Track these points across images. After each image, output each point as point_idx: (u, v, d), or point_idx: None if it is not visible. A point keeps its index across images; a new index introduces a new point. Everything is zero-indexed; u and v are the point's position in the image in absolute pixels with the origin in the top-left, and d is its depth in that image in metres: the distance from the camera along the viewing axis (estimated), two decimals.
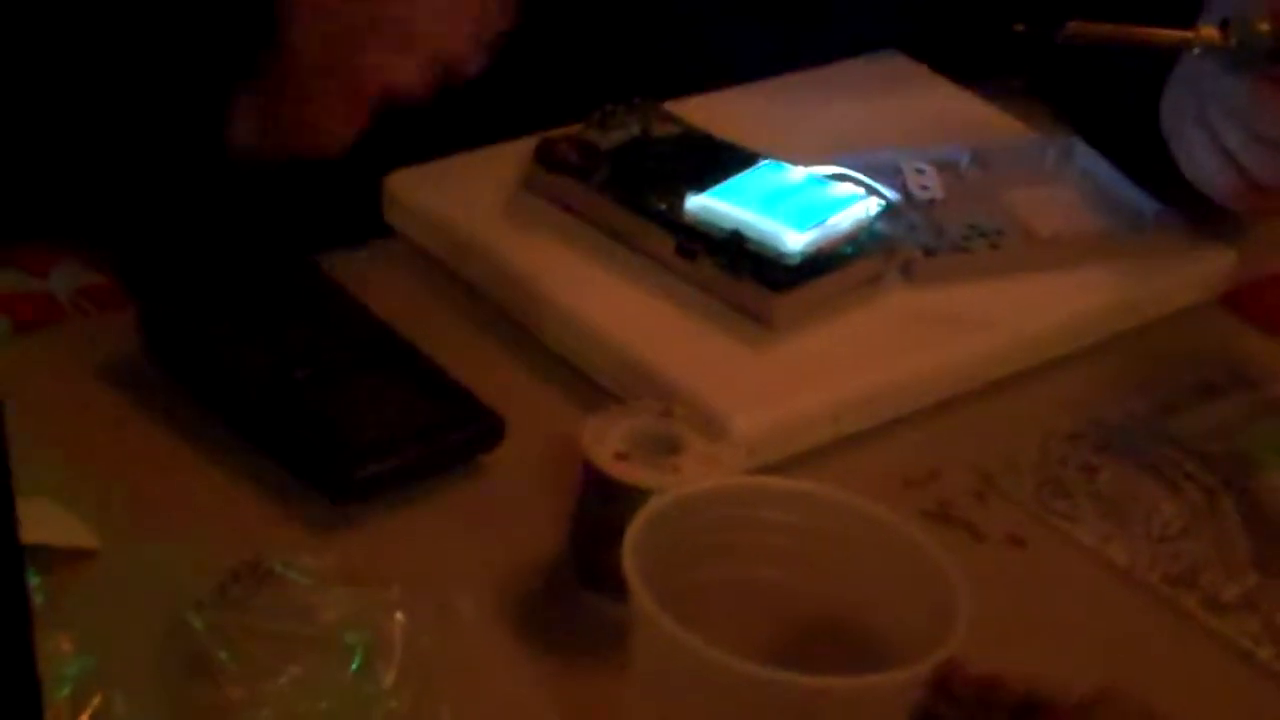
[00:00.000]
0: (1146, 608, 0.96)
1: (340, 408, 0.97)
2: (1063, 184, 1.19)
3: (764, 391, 1.01)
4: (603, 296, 1.05)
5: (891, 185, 1.13)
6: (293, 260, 1.04)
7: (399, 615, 0.84)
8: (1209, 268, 1.17)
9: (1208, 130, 1.09)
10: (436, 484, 0.96)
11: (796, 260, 1.04)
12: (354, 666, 0.83)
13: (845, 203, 1.08)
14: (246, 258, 1.04)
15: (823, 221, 1.06)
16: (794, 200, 1.07)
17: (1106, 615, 0.96)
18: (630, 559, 0.73)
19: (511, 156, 1.13)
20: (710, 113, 1.18)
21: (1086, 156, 1.20)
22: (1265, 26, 1.05)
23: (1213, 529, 1.01)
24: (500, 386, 1.00)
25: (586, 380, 1.03)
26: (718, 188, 1.07)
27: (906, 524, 0.79)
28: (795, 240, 1.04)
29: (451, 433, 0.98)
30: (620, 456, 0.89)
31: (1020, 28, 1.04)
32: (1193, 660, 0.94)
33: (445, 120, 1.17)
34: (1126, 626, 0.95)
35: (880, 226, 1.09)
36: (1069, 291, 1.12)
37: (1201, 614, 0.96)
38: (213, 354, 0.99)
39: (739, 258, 1.05)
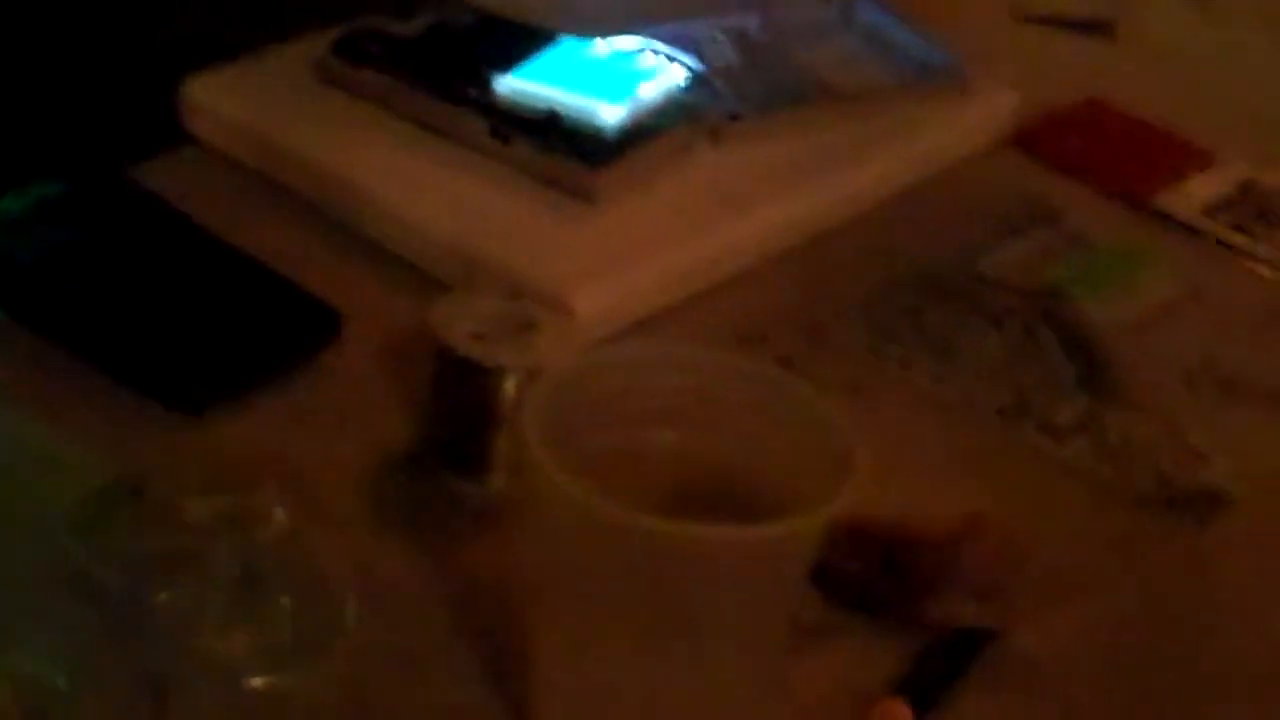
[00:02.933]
0: (988, 440, 0.99)
1: (173, 318, 0.96)
2: (850, 39, 1.21)
3: (595, 267, 1.02)
4: (422, 188, 1.05)
5: (689, 55, 1.14)
6: (103, 175, 1.02)
7: (279, 512, 0.83)
8: (996, 110, 1.20)
9: None
10: (282, 385, 0.95)
11: (613, 134, 1.05)
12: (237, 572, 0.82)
13: (651, 74, 1.09)
14: (55, 176, 1.02)
15: (633, 94, 1.07)
16: (602, 74, 1.08)
17: (951, 452, 0.99)
18: (531, 429, 0.73)
19: (307, 53, 1.11)
20: None
21: (868, 10, 1.22)
22: None
23: (1037, 359, 1.04)
24: (330, 285, 1.00)
25: (417, 271, 1.03)
26: (524, 67, 1.07)
27: (797, 381, 0.80)
28: (610, 114, 1.05)
29: (288, 331, 0.97)
30: (477, 338, 0.90)
31: None
32: (1040, 486, 0.97)
33: (231, 19, 1.15)
34: (972, 460, 0.98)
35: (687, 96, 1.10)
36: (870, 144, 1.14)
37: (1041, 440, 0.99)
38: (39, 278, 0.97)
39: (554, 136, 1.05)
